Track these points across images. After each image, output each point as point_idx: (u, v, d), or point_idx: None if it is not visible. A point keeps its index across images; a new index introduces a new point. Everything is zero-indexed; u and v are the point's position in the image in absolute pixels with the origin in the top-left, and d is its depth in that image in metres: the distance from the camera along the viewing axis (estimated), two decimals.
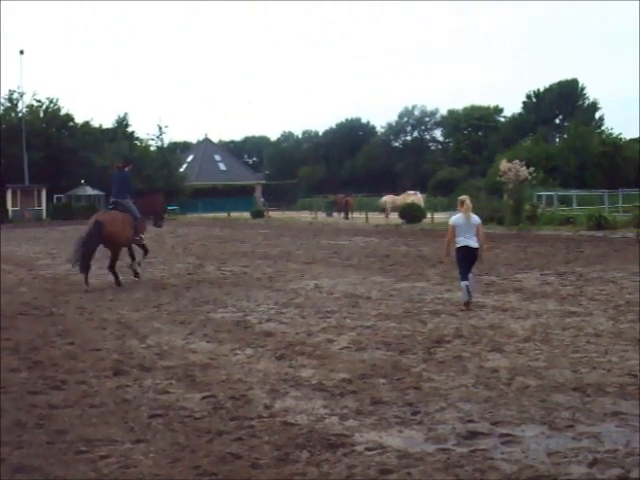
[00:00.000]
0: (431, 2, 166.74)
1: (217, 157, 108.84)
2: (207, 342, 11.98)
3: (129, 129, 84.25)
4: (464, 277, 14.84)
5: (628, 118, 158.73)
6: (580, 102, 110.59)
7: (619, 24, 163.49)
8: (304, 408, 8.19)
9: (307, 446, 7.00)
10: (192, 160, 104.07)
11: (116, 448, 7.04)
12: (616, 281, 17.88)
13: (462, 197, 15.62)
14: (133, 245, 20.62)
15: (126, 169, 20.88)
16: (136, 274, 20.38)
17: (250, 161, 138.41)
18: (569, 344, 11.15)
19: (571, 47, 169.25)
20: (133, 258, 20.53)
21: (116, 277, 19.70)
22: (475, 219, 15.14)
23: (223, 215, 69.60)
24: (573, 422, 7.55)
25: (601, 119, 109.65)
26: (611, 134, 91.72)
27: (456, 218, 15.24)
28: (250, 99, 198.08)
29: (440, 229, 41.30)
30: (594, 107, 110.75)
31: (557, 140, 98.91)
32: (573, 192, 51.98)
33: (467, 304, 14.63)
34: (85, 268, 19.12)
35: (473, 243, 14.97)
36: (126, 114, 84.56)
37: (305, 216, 62.94)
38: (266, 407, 8.25)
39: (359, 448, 6.95)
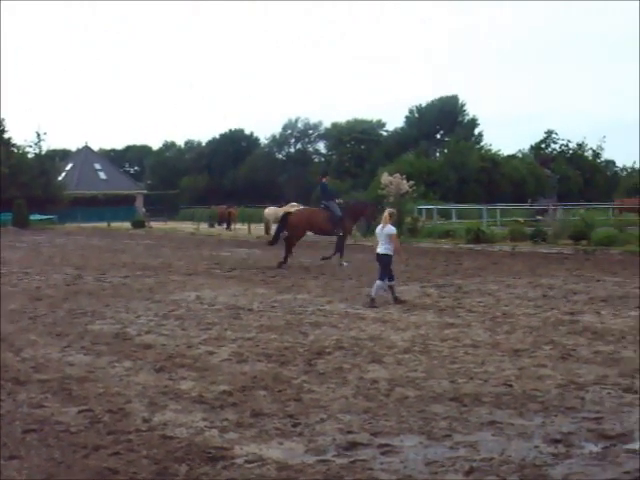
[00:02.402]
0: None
1: (97, 166, 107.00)
2: (84, 354, 11.72)
3: (5, 135, 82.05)
4: (379, 277, 16.80)
5: (506, 135, 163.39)
6: (460, 118, 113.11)
7: (504, 43, 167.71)
8: (183, 421, 8.10)
9: (186, 459, 6.92)
10: (71, 168, 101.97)
11: None
12: (493, 293, 18.31)
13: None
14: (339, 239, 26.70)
15: (324, 180, 27.93)
16: (324, 258, 26.44)
17: (131, 170, 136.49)
18: (447, 355, 11.35)
19: (453, 64, 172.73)
20: (337, 250, 26.42)
21: (286, 256, 26.20)
22: (387, 229, 17.03)
23: (103, 225, 68.41)
24: (450, 432, 7.68)
25: (480, 135, 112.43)
26: (490, 150, 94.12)
27: (377, 228, 17.55)
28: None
29: (323, 241, 41.57)
30: (473, 123, 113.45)
31: (438, 155, 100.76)
32: (453, 206, 53.03)
33: (372, 300, 16.50)
34: (273, 241, 27.59)
35: (381, 250, 16.96)
36: (2, 120, 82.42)
37: (187, 227, 62.43)
38: (144, 420, 8.12)
39: (239, 461, 6.91)
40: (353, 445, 7.30)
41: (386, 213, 17.34)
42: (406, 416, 8.22)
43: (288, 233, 26.91)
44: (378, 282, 16.76)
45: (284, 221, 27.10)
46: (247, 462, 6.88)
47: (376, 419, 8.12)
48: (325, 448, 7.24)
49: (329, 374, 10.22)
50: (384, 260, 16.87)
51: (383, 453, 7.09)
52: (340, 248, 26.48)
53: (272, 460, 6.92)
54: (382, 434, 7.62)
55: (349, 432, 7.68)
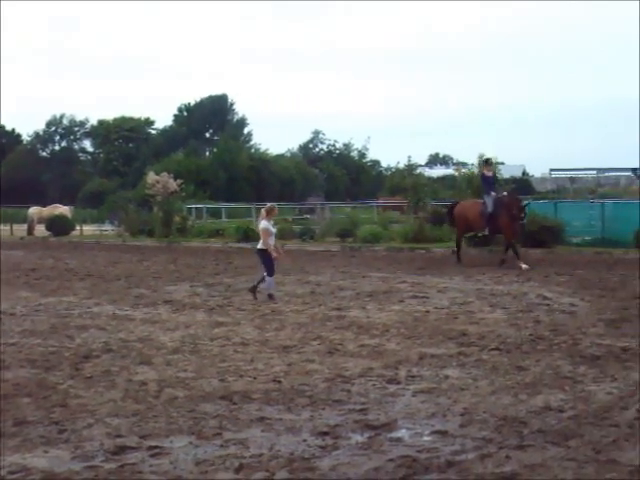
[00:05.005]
0: None
1: None
2: None
3: None
4: (266, 272, 17.31)
5: (275, 134, 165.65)
6: (230, 117, 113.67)
7: (275, 44, 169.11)
8: None
9: None
10: None
11: None
12: (262, 291, 18.46)
13: None
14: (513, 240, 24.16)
15: (485, 172, 25.30)
16: (502, 261, 23.66)
17: None
18: (217, 354, 11.39)
19: (221, 63, 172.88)
20: (506, 249, 24.11)
21: (457, 253, 25.10)
22: (260, 225, 17.91)
23: None
24: (220, 430, 7.71)
25: (249, 134, 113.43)
26: (259, 149, 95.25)
27: None
28: None
29: (89, 241, 40.67)
30: (243, 122, 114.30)
31: (208, 154, 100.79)
32: (222, 205, 53.20)
33: (270, 296, 17.08)
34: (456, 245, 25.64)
35: (258, 245, 17.76)
36: None
37: None
38: None
39: (1, 472, 6.64)
40: (122, 449, 7.18)
41: (262, 210, 18.16)
42: (176, 417, 8.18)
43: (455, 224, 26.12)
44: (267, 278, 17.27)
45: (450, 210, 26.48)
46: (10, 473, 6.63)
47: (145, 421, 8.03)
48: (93, 454, 7.08)
49: (96, 378, 10.01)
50: (261, 255, 17.54)
51: (152, 455, 7.03)
52: (511, 248, 23.64)
53: (37, 469, 6.70)
54: (151, 436, 7.55)
55: (117, 436, 7.56)
